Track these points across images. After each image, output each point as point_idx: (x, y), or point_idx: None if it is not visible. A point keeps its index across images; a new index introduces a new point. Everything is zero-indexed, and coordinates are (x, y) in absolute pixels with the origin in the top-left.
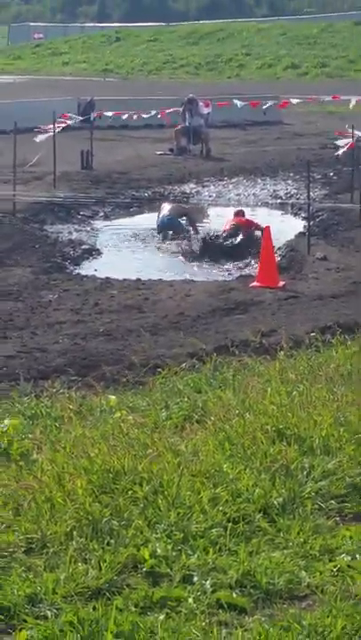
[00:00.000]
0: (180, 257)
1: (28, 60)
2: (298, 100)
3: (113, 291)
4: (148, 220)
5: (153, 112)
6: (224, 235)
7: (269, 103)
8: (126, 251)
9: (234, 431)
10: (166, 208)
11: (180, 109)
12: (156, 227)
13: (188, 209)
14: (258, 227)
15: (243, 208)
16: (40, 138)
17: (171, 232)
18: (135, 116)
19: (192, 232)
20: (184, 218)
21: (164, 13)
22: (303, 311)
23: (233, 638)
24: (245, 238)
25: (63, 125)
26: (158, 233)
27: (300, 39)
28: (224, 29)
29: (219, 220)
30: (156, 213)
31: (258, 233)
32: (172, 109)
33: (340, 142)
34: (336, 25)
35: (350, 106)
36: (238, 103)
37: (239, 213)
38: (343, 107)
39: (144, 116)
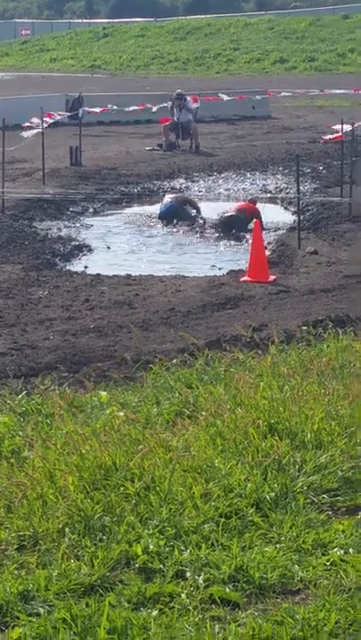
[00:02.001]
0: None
1: (16, 56)
2: (286, 94)
3: (103, 287)
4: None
5: (139, 107)
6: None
7: (257, 97)
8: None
9: (225, 426)
10: (169, 197)
11: (169, 105)
12: (158, 214)
13: (189, 197)
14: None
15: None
16: (27, 133)
17: (175, 219)
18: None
19: (196, 215)
20: (186, 205)
21: (152, 9)
22: (294, 305)
23: (226, 633)
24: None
25: (50, 121)
26: (161, 219)
27: (288, 33)
28: (212, 24)
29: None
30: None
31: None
32: (157, 106)
33: (328, 136)
34: (324, 19)
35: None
36: (225, 97)
37: (251, 201)
38: (332, 100)
39: (126, 110)
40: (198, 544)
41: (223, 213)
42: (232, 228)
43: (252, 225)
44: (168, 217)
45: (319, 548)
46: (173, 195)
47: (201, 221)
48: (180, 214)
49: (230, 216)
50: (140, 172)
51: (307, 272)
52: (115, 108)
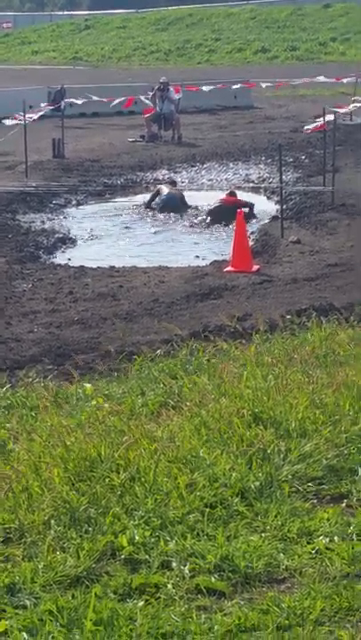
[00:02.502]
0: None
1: None
2: (267, 84)
3: (87, 279)
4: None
5: (122, 99)
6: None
7: (238, 86)
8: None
9: (210, 416)
10: (165, 190)
11: (150, 94)
12: (156, 205)
13: (181, 191)
14: (245, 204)
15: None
16: (9, 122)
17: (172, 212)
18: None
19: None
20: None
21: (134, 0)
22: (278, 295)
23: (212, 623)
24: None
25: (35, 117)
26: (160, 211)
27: (270, 23)
28: (193, 15)
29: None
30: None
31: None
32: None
33: (309, 126)
34: (305, 8)
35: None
36: (206, 88)
37: (231, 194)
38: (314, 89)
39: (112, 104)
40: (184, 534)
41: (214, 204)
42: (222, 217)
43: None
44: (170, 207)
45: (304, 537)
46: (168, 188)
47: (188, 211)
48: (178, 206)
49: (220, 206)
50: (122, 164)
51: (290, 261)
52: (95, 99)
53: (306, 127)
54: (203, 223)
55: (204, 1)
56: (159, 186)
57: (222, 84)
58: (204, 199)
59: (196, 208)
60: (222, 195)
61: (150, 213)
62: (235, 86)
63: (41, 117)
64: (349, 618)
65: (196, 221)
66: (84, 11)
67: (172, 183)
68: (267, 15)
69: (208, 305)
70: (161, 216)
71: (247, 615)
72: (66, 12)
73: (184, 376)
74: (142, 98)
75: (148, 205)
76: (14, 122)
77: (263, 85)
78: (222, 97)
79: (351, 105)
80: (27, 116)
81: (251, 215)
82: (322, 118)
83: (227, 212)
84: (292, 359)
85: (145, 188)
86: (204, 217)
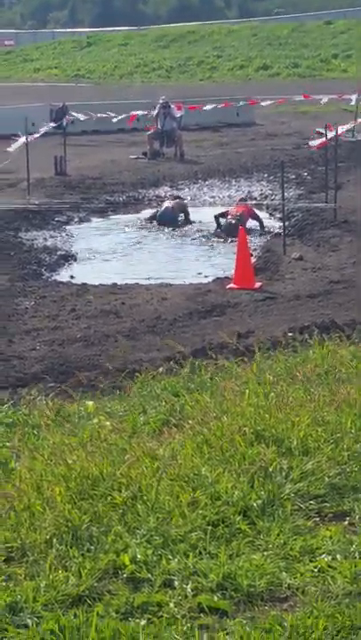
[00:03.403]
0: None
1: None
2: (269, 102)
3: (89, 296)
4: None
5: (123, 115)
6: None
7: (241, 103)
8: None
9: (212, 434)
10: (164, 204)
11: (154, 113)
12: (156, 219)
13: (186, 204)
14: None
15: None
16: (13, 147)
17: (170, 226)
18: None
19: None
20: (182, 215)
21: (135, 17)
22: (280, 312)
23: None
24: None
25: (36, 135)
26: (159, 224)
27: (272, 40)
28: (195, 32)
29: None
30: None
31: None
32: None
33: (313, 142)
34: (307, 25)
35: (322, 102)
36: (209, 105)
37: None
38: (315, 106)
39: (114, 120)
40: (186, 553)
41: (227, 219)
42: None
43: (252, 224)
44: (165, 221)
45: (307, 555)
46: (171, 202)
47: (190, 226)
48: (175, 220)
49: (233, 222)
50: (124, 181)
51: (292, 278)
52: (98, 116)
53: (311, 143)
54: (206, 239)
55: (206, 18)
56: (165, 201)
57: (224, 102)
58: (206, 215)
59: (200, 222)
60: (234, 207)
61: (154, 229)
62: (238, 104)
63: (43, 135)
64: (352, 636)
65: (198, 236)
66: (85, 28)
67: (177, 197)
68: (268, 32)
69: (210, 322)
70: (164, 232)
71: (250, 634)
72: (68, 30)
73: (186, 394)
74: (144, 113)
75: (151, 220)
76: (18, 144)
77: (264, 104)
78: (224, 114)
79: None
80: (29, 134)
81: (262, 229)
82: (324, 134)
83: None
84: (294, 377)
85: (147, 205)
86: (220, 231)
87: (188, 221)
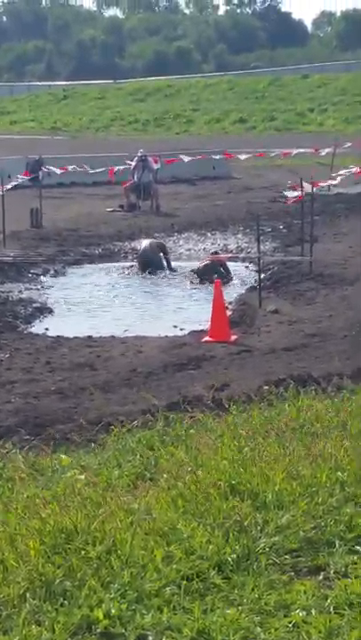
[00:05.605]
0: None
1: None
2: (246, 156)
3: (64, 349)
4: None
5: (102, 169)
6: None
7: (218, 157)
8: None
9: (186, 488)
10: (145, 243)
11: (132, 166)
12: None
13: (164, 244)
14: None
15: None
16: None
17: (151, 267)
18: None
19: (166, 266)
20: (161, 254)
21: (112, 71)
22: (256, 365)
23: None
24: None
25: (8, 187)
26: (139, 266)
27: (248, 93)
28: (172, 86)
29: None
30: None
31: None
32: (119, 167)
33: (289, 194)
34: (283, 78)
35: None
36: (185, 158)
37: (215, 253)
38: (291, 159)
39: (91, 171)
40: (160, 607)
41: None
42: (210, 274)
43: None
44: (145, 261)
45: (281, 610)
46: (149, 242)
47: (169, 272)
48: (153, 261)
49: (207, 265)
50: (101, 233)
51: (268, 331)
52: (76, 169)
53: (286, 194)
54: (184, 283)
55: (183, 72)
56: (142, 240)
57: (201, 155)
58: (182, 268)
59: (175, 270)
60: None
61: (131, 278)
62: (214, 157)
63: (17, 187)
64: None
65: (175, 282)
66: (62, 81)
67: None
68: (245, 86)
69: (186, 375)
70: (140, 280)
71: None
72: (44, 83)
73: (161, 447)
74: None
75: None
76: None
77: (241, 157)
78: (201, 167)
79: (330, 180)
80: (3, 186)
81: (228, 276)
82: (300, 189)
83: (212, 270)
84: (269, 430)
85: (123, 258)
86: (193, 274)
87: (168, 262)
